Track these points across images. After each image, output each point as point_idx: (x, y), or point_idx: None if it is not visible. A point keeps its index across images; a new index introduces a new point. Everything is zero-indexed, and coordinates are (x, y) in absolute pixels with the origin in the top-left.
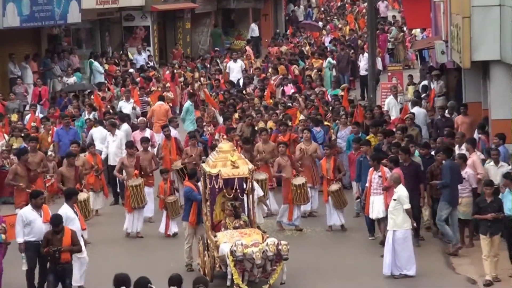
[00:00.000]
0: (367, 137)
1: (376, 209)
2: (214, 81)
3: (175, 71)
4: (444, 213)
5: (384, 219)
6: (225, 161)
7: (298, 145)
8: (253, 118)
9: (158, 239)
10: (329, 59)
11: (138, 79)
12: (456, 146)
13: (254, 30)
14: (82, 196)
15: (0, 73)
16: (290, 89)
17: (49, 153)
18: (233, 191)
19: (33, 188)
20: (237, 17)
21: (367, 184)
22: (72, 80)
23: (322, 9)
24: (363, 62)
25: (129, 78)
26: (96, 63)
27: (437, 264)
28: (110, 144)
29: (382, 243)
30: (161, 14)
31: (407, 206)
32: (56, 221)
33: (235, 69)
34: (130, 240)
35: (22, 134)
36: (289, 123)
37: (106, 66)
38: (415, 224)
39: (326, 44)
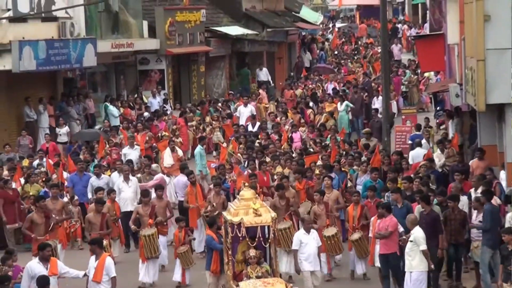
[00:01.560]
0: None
1: None
2: (233, 126)
3: (188, 115)
4: (487, 257)
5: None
6: (247, 209)
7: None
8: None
9: None
10: (347, 102)
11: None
12: (472, 190)
13: (259, 75)
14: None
15: (16, 117)
16: (298, 136)
17: (75, 197)
18: (256, 239)
19: (48, 237)
20: (251, 60)
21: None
22: (64, 130)
23: (336, 52)
24: (377, 105)
25: (141, 123)
26: (111, 107)
27: None
28: (125, 190)
29: None
30: (176, 57)
31: (424, 247)
32: (42, 284)
33: (244, 113)
34: None
35: (44, 179)
36: (313, 170)
37: (122, 110)
38: (432, 266)
39: (329, 91)
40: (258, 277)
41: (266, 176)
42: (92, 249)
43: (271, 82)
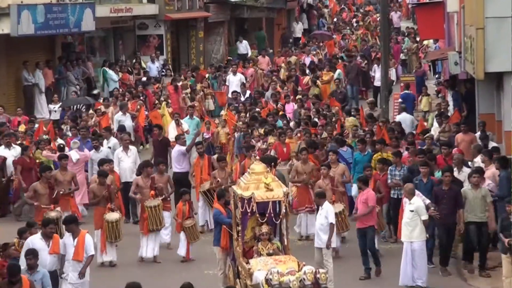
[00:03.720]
0: (375, 155)
1: None
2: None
3: (178, 83)
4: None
5: None
6: (258, 183)
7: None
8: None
9: (176, 263)
10: (339, 71)
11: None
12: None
13: (238, 48)
14: (113, 216)
15: (14, 81)
16: (291, 107)
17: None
18: (267, 215)
19: (53, 207)
20: (251, 27)
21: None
22: (58, 106)
23: (335, 19)
24: (378, 73)
25: (130, 92)
26: (110, 72)
27: (449, 276)
28: (124, 160)
29: None
30: (175, 22)
31: (425, 217)
32: (14, 271)
33: (234, 82)
34: (146, 263)
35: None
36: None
37: (120, 75)
38: (427, 235)
39: (307, 64)
40: (269, 255)
41: (287, 148)
42: (68, 229)
43: (269, 49)
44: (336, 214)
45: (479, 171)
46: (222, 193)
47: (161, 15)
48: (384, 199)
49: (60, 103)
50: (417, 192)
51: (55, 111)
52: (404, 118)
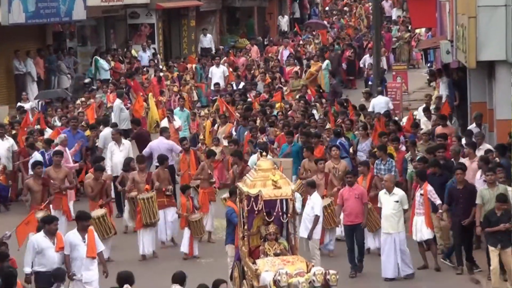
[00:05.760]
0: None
1: (419, 230)
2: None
3: (161, 74)
4: None
5: (431, 241)
6: (265, 180)
7: (326, 163)
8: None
9: (170, 253)
10: (327, 61)
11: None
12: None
13: (202, 41)
14: (97, 212)
15: (5, 70)
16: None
17: None
18: (274, 214)
19: (43, 206)
20: (242, 15)
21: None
22: (28, 105)
23: (327, 8)
24: (368, 62)
25: (113, 83)
26: (101, 61)
27: (440, 266)
28: (116, 154)
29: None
30: (166, 11)
31: (407, 206)
32: (9, 277)
33: (217, 74)
34: (146, 260)
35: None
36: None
37: (112, 63)
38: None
39: (284, 58)
40: (276, 255)
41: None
42: (84, 225)
43: (260, 38)
44: (323, 207)
45: (493, 169)
46: (234, 190)
47: (153, 4)
48: None
49: (31, 102)
50: (430, 188)
51: (25, 108)
52: (379, 101)
